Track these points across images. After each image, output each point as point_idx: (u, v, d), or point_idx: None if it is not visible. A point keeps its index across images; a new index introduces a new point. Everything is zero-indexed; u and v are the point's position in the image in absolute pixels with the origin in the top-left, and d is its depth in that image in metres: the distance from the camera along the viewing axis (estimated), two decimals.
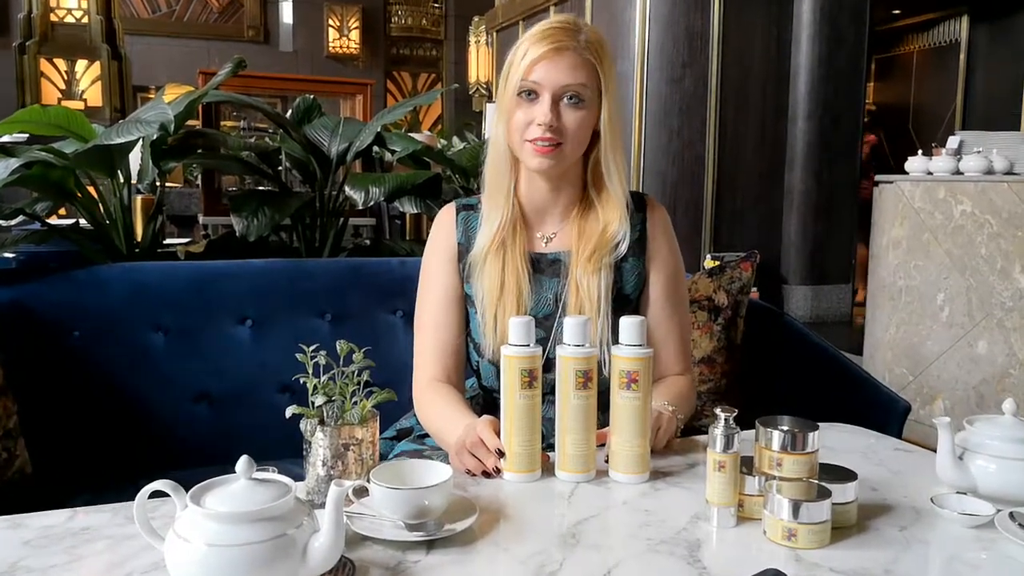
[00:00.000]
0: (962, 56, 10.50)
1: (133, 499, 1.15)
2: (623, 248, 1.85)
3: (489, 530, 1.33)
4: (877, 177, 5.34)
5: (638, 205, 1.91)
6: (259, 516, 1.08)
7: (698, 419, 2.30)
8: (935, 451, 1.50)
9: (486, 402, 1.96)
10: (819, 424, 1.40)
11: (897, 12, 11.27)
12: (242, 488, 1.12)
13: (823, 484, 1.32)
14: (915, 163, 4.95)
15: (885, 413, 2.28)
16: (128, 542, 1.26)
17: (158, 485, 1.13)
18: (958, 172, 4.68)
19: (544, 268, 1.87)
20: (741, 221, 7.61)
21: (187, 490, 1.13)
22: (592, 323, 1.75)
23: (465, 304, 1.92)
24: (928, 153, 5.06)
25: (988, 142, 4.84)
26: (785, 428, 1.37)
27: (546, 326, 1.84)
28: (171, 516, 1.13)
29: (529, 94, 1.75)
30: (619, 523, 1.41)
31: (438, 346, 1.90)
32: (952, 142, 5.01)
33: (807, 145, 7.64)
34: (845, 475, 1.38)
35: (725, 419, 1.36)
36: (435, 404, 1.83)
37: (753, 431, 1.42)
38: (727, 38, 7.32)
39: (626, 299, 1.88)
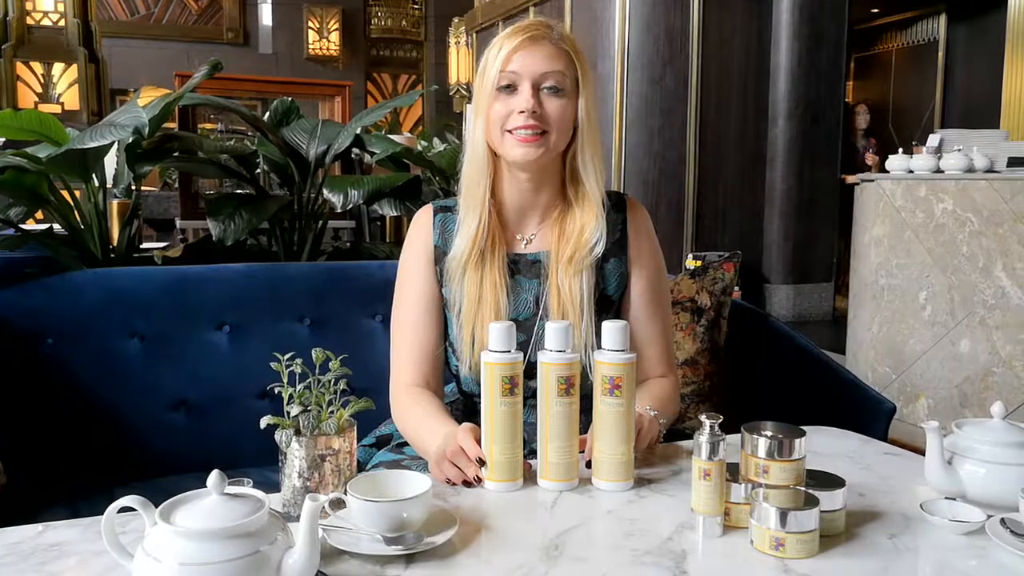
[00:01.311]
0: (940, 54, 10.54)
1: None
2: (600, 249, 1.82)
3: (470, 542, 1.30)
4: (859, 175, 5.34)
5: (618, 205, 1.89)
6: (231, 533, 1.05)
7: (682, 421, 2.27)
8: (921, 453, 1.48)
9: (466, 407, 1.94)
10: (805, 428, 1.38)
11: (875, 11, 11.30)
12: (213, 504, 1.09)
13: (811, 492, 1.29)
14: (896, 161, 4.95)
15: (870, 414, 2.27)
16: (98, 559, 1.22)
17: (126, 501, 1.10)
18: (939, 170, 4.67)
19: (523, 269, 1.84)
20: (723, 220, 7.62)
21: (165, 498, 1.10)
22: (575, 327, 1.73)
23: (443, 307, 1.88)
24: (909, 151, 5.05)
25: (968, 140, 4.84)
26: (771, 434, 1.34)
27: (526, 328, 1.81)
28: (143, 531, 1.10)
29: (508, 87, 1.73)
30: (603, 533, 1.38)
31: (416, 350, 1.86)
32: (932, 140, 5.00)
33: (788, 143, 7.66)
34: (833, 482, 1.35)
35: (711, 426, 1.33)
36: (413, 411, 1.79)
37: (738, 435, 1.39)
38: (707, 37, 7.33)
39: (609, 300, 1.86)
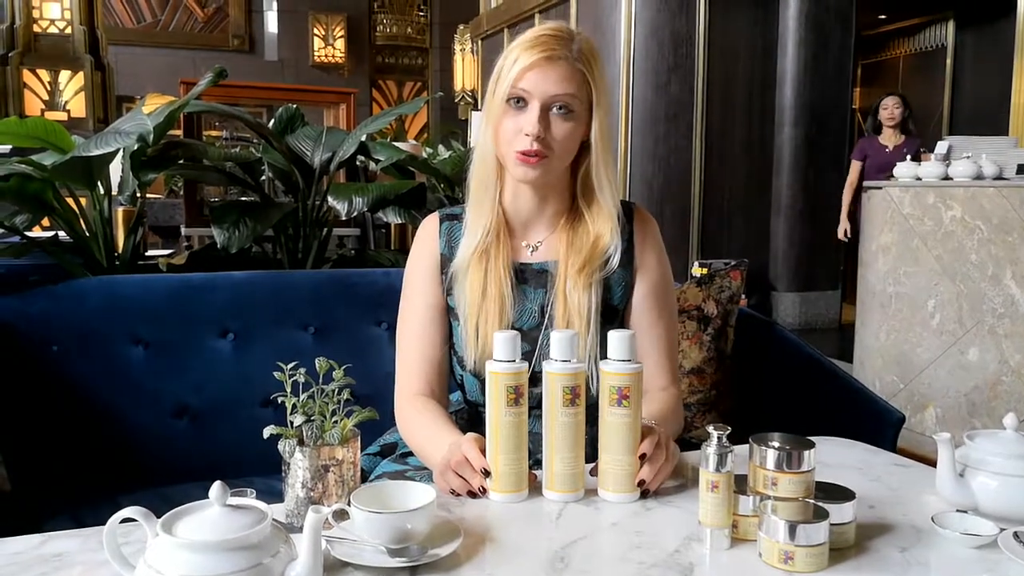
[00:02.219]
0: (948, 61, 10.52)
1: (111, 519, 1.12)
2: (615, 263, 1.81)
3: (474, 554, 1.28)
4: (866, 183, 5.32)
5: (626, 215, 1.87)
6: (233, 545, 1.04)
7: (688, 431, 2.26)
8: (929, 463, 1.47)
9: (471, 416, 1.92)
10: (814, 440, 1.36)
11: (883, 17, 11.28)
12: (216, 515, 1.08)
13: (820, 504, 1.27)
14: (903, 168, 4.93)
15: (879, 424, 2.25)
16: (101, 570, 1.21)
17: (128, 512, 1.09)
18: (947, 177, 4.66)
19: (529, 278, 1.83)
20: (728, 227, 7.60)
21: (169, 506, 1.10)
22: (581, 338, 1.72)
23: (449, 316, 1.87)
24: (917, 158, 5.03)
25: (977, 147, 4.82)
26: (780, 446, 1.33)
27: (531, 338, 1.79)
28: (145, 542, 1.09)
29: (518, 102, 1.71)
30: (609, 545, 1.36)
31: (421, 359, 1.85)
32: (941, 147, 4.99)
33: (794, 150, 7.65)
34: (843, 494, 1.34)
35: (718, 437, 1.32)
36: (418, 420, 1.78)
37: (745, 446, 1.38)
38: (713, 43, 7.33)
39: (613, 310, 1.85)
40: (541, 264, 1.84)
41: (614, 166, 1.83)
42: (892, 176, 5.64)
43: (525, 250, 1.86)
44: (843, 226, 7.46)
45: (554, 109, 1.71)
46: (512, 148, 1.72)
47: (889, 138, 7.25)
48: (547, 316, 1.80)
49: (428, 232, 1.91)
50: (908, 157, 6.41)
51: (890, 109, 7.23)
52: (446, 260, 1.86)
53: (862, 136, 7.98)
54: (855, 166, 7.40)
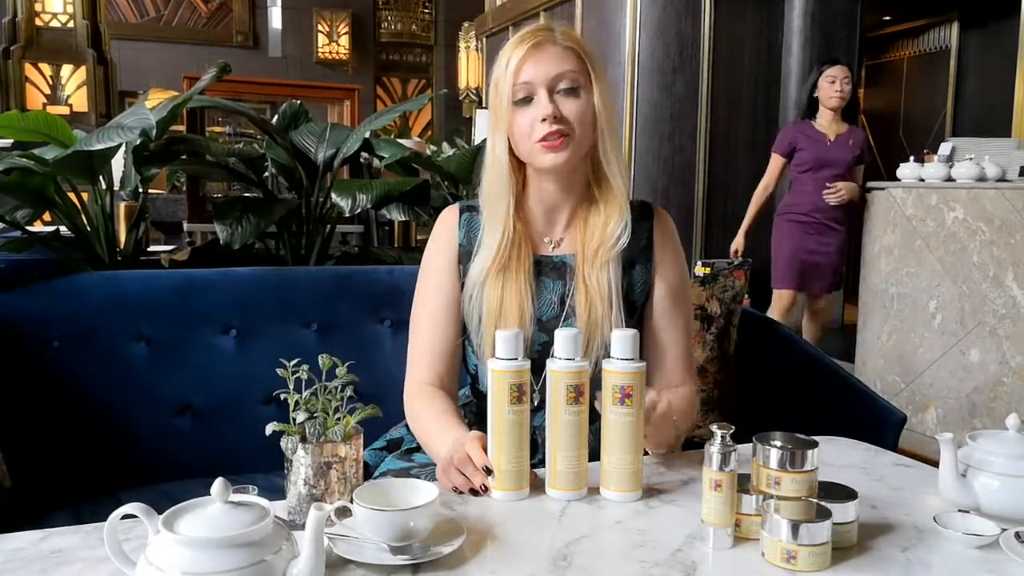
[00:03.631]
0: (952, 62, 10.49)
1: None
2: (625, 239, 1.81)
3: (477, 552, 1.28)
4: (869, 184, 5.30)
5: (644, 212, 1.89)
6: (235, 542, 1.04)
7: (692, 430, 2.26)
8: (930, 463, 1.47)
9: (479, 409, 1.92)
10: (817, 439, 1.36)
11: (887, 18, 11.26)
12: (217, 512, 1.07)
13: (823, 504, 1.27)
14: (906, 170, 4.92)
15: (880, 424, 2.25)
16: (101, 566, 1.21)
17: (129, 508, 1.09)
18: (950, 179, 4.65)
19: (547, 271, 1.84)
20: (732, 227, 7.57)
21: (170, 504, 1.10)
22: (605, 319, 1.75)
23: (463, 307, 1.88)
24: (920, 159, 5.02)
25: (980, 149, 4.82)
26: (783, 445, 1.33)
27: (549, 328, 1.79)
28: (146, 538, 1.09)
29: (525, 97, 1.73)
30: (612, 544, 1.36)
31: (433, 348, 1.86)
32: (944, 148, 4.98)
33: None
34: (845, 493, 1.34)
35: (722, 436, 1.32)
36: (426, 412, 1.79)
37: (748, 445, 1.38)
38: (718, 44, 7.30)
39: (632, 305, 1.85)
40: (560, 257, 1.85)
41: (619, 143, 1.85)
42: (842, 176, 5.31)
43: (546, 245, 1.87)
44: (738, 242, 6.00)
45: (559, 90, 1.73)
46: (532, 140, 1.73)
47: (829, 125, 5.50)
48: (567, 306, 1.81)
49: (447, 223, 1.92)
50: (854, 153, 5.43)
51: (839, 83, 5.45)
52: (464, 251, 1.87)
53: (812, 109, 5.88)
54: (776, 162, 5.80)
